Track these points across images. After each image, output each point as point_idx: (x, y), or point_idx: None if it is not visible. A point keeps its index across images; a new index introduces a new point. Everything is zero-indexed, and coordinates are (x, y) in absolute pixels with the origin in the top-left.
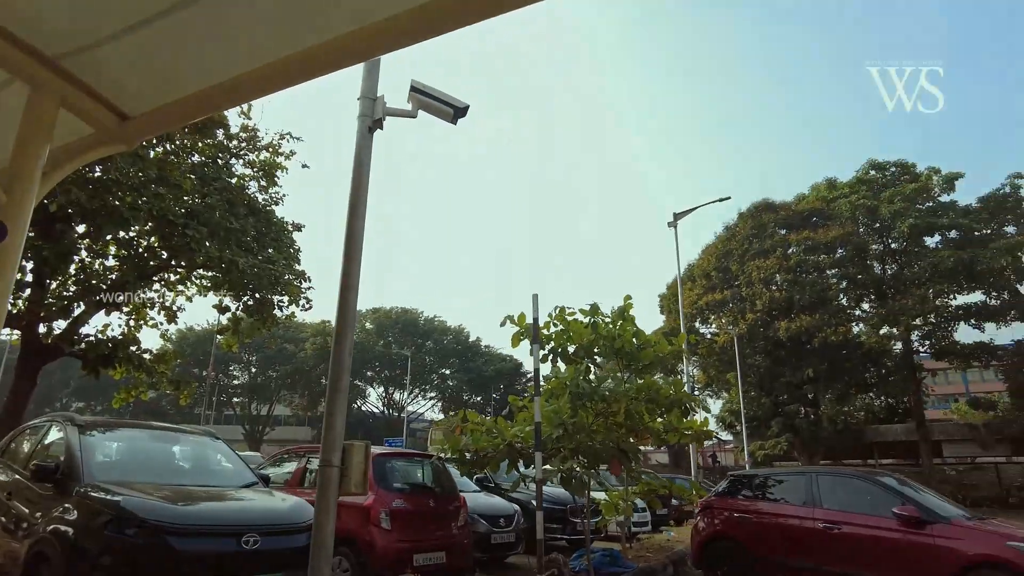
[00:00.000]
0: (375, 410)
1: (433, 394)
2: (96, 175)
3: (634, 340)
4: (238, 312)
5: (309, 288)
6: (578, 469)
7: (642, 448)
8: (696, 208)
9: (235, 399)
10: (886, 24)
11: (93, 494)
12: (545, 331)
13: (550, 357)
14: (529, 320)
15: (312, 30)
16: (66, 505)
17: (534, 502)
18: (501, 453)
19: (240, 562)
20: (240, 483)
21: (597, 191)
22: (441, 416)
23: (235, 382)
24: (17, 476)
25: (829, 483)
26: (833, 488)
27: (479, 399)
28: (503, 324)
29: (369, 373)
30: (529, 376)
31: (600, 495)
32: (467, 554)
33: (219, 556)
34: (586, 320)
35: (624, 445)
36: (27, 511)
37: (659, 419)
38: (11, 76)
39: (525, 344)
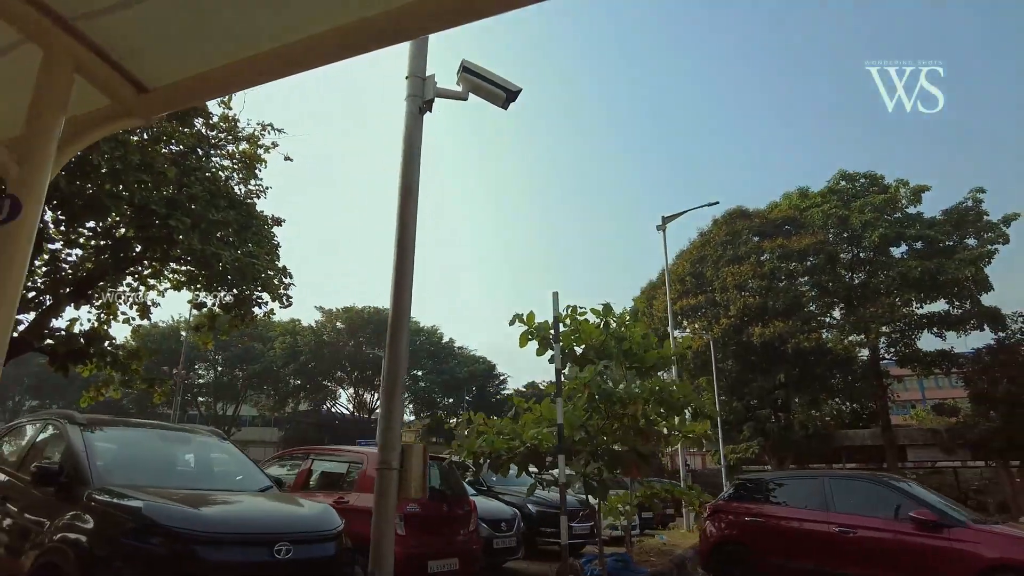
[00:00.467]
0: (344, 411)
1: (404, 395)
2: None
3: (641, 341)
4: (215, 308)
5: (290, 284)
6: (601, 472)
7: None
8: (685, 212)
9: (200, 399)
10: (872, 24)
11: (106, 499)
12: (552, 331)
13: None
14: (539, 320)
15: (356, 4)
16: (75, 511)
17: (529, 505)
18: (520, 456)
19: (274, 574)
20: (256, 487)
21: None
22: (412, 418)
23: (199, 381)
24: (10, 480)
25: (841, 486)
26: (846, 492)
27: (450, 401)
28: (512, 323)
29: (339, 374)
30: (502, 378)
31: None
32: (478, 560)
33: (252, 567)
34: (597, 321)
35: (641, 448)
36: (25, 517)
37: (663, 421)
38: (24, 37)
39: (512, 346)
